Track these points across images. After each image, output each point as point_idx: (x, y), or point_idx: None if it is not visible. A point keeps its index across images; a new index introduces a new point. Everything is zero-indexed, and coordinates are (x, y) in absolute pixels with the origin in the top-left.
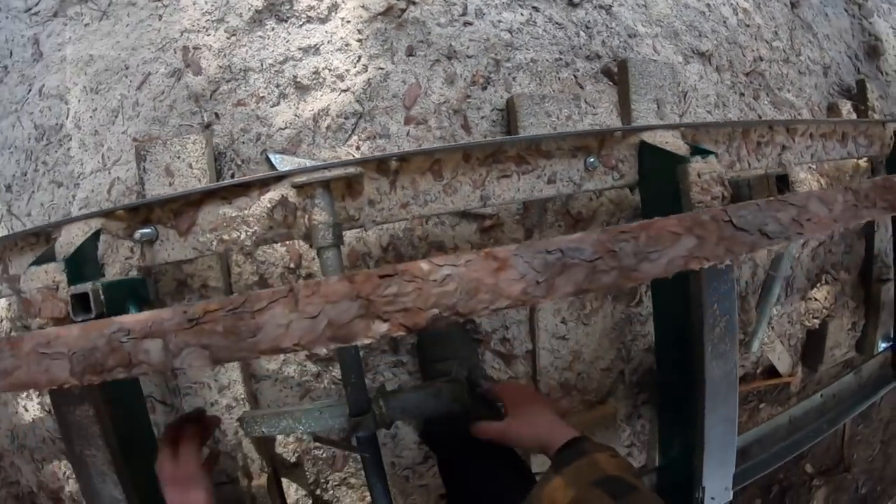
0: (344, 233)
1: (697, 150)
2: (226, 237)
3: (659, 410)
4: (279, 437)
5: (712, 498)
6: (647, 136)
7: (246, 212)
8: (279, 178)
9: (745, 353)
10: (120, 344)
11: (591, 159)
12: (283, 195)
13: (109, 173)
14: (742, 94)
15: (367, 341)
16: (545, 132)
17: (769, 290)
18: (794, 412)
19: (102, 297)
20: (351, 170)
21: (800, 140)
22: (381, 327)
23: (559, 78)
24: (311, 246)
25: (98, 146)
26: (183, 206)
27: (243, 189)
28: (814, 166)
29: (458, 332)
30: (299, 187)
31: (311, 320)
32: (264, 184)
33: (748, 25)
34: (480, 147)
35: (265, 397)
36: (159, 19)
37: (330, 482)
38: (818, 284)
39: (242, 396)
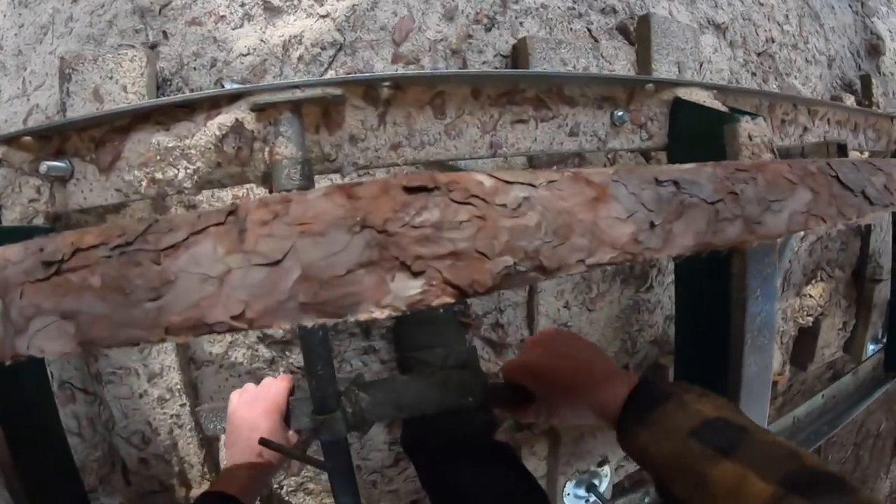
0: (315, 178)
1: (745, 113)
2: (159, 175)
3: None
4: (223, 439)
5: None
6: (683, 93)
7: (187, 141)
8: (235, 97)
9: None
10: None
11: (620, 113)
12: (237, 119)
13: (28, 100)
14: (754, 74)
15: (379, 314)
16: None
17: None
18: (798, 413)
19: None
20: (331, 90)
21: (819, 124)
22: (411, 286)
23: (571, 29)
24: (270, 191)
25: (20, 69)
26: (106, 134)
27: (186, 112)
28: None
29: (443, 314)
30: (260, 110)
31: (267, 270)
32: (214, 104)
33: (762, 4)
34: (494, 80)
35: (206, 387)
36: None
37: (285, 488)
38: (814, 280)
39: (178, 387)
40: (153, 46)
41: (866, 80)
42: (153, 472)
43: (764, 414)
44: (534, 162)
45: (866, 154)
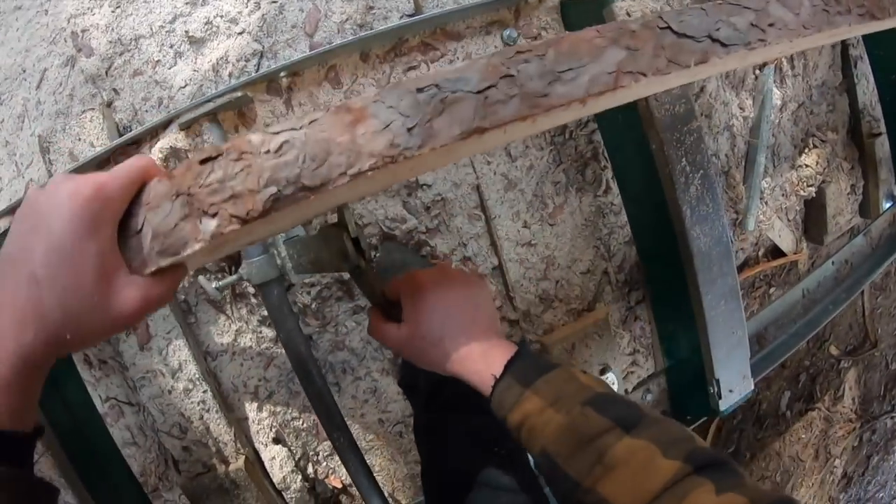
0: None
1: None
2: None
3: (651, 304)
4: (250, 416)
5: (730, 390)
6: None
7: None
8: (166, 124)
9: (742, 234)
10: None
11: (508, 32)
12: (172, 142)
13: (23, 178)
14: None
15: (198, 246)
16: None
17: (753, 160)
18: (807, 284)
19: None
20: (237, 94)
21: None
22: (210, 224)
23: None
24: None
25: (11, 155)
26: None
27: (135, 147)
28: None
29: (418, 262)
30: (187, 127)
31: (136, 236)
32: (153, 134)
33: None
34: (377, 39)
35: (227, 374)
36: (46, 14)
37: (320, 453)
38: (806, 150)
39: (198, 376)
40: (109, 104)
41: None
42: (195, 456)
43: (733, 286)
44: None
45: None
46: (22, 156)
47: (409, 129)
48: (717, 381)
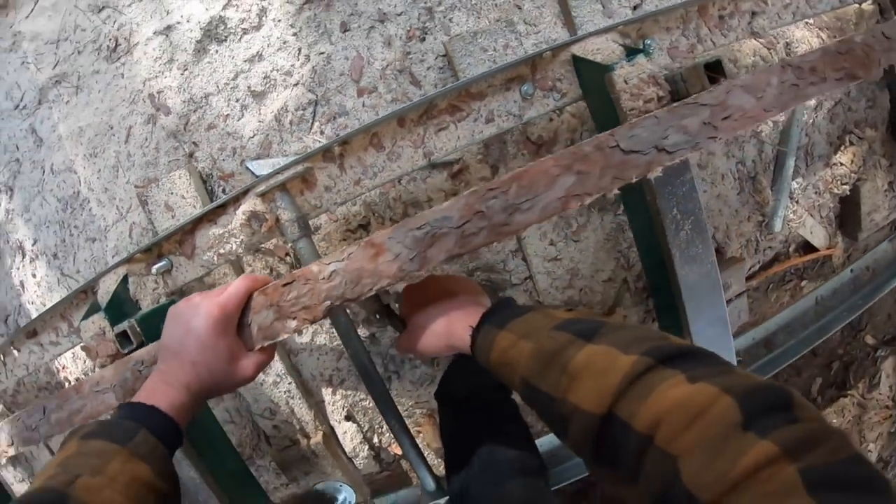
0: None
1: (632, 52)
2: (221, 251)
3: (657, 316)
4: (326, 398)
5: None
6: (577, 49)
7: (230, 227)
8: (245, 192)
9: (770, 235)
10: (139, 372)
11: (526, 87)
12: (252, 207)
13: (126, 220)
14: None
15: (285, 335)
16: (485, 68)
17: (782, 166)
18: (821, 292)
19: (139, 329)
20: (300, 168)
21: (773, 1)
22: (291, 324)
23: (496, 5)
24: (284, 242)
25: (111, 200)
26: (182, 237)
27: (221, 210)
28: (811, 21)
29: None
30: (262, 195)
31: (247, 327)
32: (235, 200)
33: None
34: (412, 109)
35: (307, 368)
36: (122, 77)
37: (383, 427)
38: (842, 147)
39: (283, 371)
40: (191, 155)
41: None
42: (283, 433)
43: (721, 315)
44: (485, 142)
45: (867, 4)
46: (121, 201)
47: (411, 259)
48: None
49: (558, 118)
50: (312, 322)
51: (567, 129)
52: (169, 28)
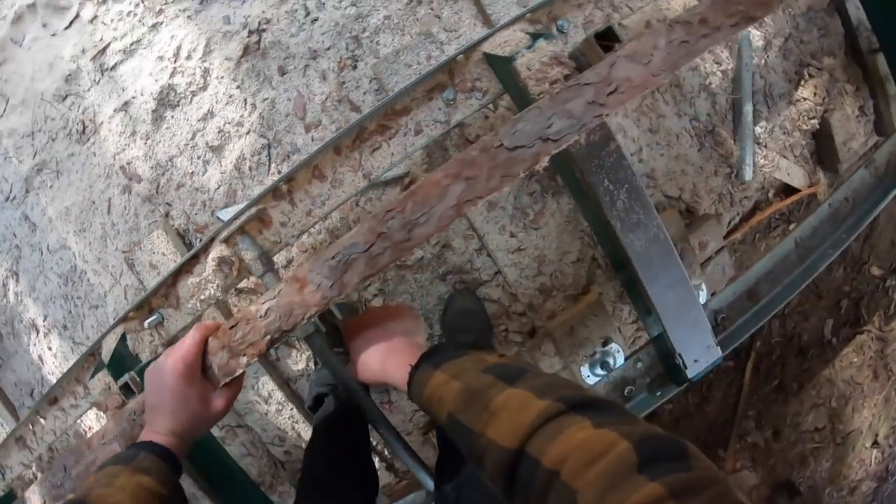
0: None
1: (536, 37)
2: (202, 297)
3: (626, 291)
4: None
5: (695, 360)
6: (487, 47)
7: (204, 275)
8: (211, 240)
9: (742, 185)
10: (134, 420)
11: (447, 94)
12: (219, 253)
13: (120, 284)
14: None
15: (240, 370)
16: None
17: (739, 113)
18: (800, 234)
19: (139, 379)
20: (253, 211)
21: None
22: (243, 360)
23: (417, 20)
24: (254, 276)
25: (105, 268)
26: (167, 291)
27: (195, 260)
28: None
29: (480, 310)
30: (226, 241)
31: (209, 368)
32: (205, 249)
33: None
34: (344, 137)
35: (306, 391)
36: (95, 155)
37: None
38: (802, 82)
39: (283, 399)
40: (167, 214)
41: None
42: (294, 457)
43: (679, 276)
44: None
45: None
46: (114, 267)
47: (331, 286)
48: (679, 354)
49: (493, 113)
50: (259, 356)
51: (503, 123)
52: (126, 104)
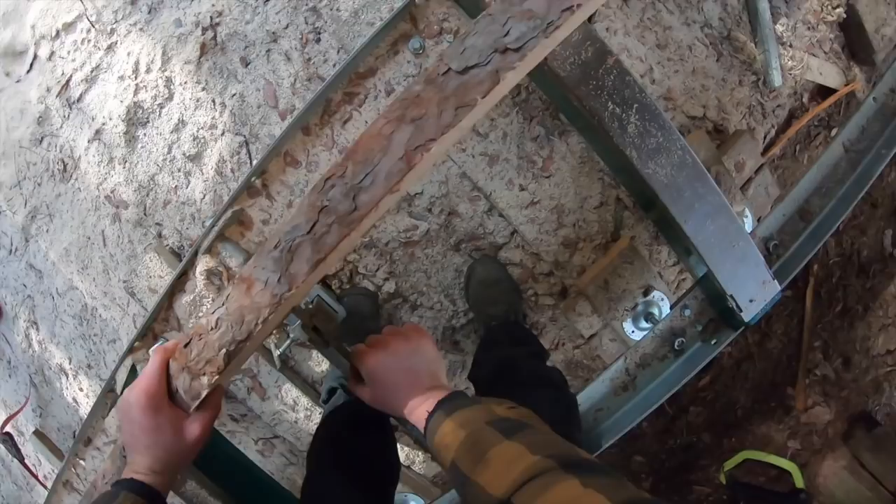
0: None
1: None
2: (201, 313)
3: (657, 227)
4: None
5: (751, 300)
6: None
7: (197, 290)
8: (194, 254)
9: (773, 92)
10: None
11: (413, 42)
12: (206, 265)
13: (128, 314)
14: None
15: (205, 391)
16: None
17: (755, 12)
18: (847, 136)
19: None
20: (229, 213)
21: None
22: (204, 380)
23: None
24: None
25: (112, 301)
26: (166, 314)
27: (185, 277)
28: None
29: (504, 277)
30: (209, 251)
31: (176, 394)
32: (191, 265)
33: None
34: (309, 115)
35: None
36: (80, 191)
37: None
38: None
39: (310, 404)
40: (159, 234)
41: None
42: None
43: (717, 202)
44: None
45: None
46: (120, 298)
47: (279, 281)
48: (731, 296)
49: None
50: (220, 373)
51: None
52: (98, 132)
